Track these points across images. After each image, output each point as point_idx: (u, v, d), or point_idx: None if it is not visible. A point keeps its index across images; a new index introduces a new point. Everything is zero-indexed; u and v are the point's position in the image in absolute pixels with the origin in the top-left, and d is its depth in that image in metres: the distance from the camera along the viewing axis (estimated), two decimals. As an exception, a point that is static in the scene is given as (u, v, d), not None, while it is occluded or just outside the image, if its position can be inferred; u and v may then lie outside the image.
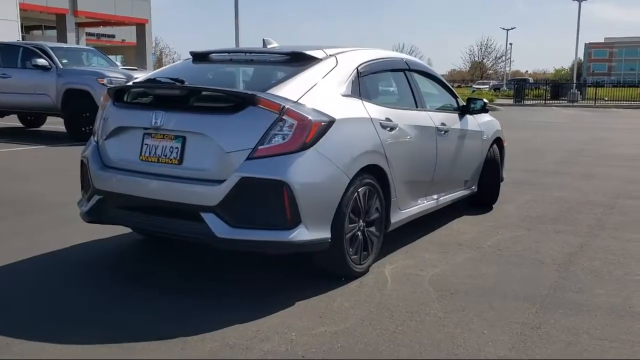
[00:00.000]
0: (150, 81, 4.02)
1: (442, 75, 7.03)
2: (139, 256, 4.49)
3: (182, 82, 3.83)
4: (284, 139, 3.44)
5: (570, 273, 4.18)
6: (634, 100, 36.62)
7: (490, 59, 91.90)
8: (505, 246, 4.84)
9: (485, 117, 6.03)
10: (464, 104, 5.64)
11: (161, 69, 4.54)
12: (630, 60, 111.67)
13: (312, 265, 3.91)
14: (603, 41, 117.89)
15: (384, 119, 4.15)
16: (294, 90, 3.67)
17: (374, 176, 3.97)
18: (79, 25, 34.48)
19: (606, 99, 38.20)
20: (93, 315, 3.33)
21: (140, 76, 12.28)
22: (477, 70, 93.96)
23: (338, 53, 4.20)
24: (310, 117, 3.51)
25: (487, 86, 61.34)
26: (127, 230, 4.71)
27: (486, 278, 4.03)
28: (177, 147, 3.64)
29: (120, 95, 4.01)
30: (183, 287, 3.77)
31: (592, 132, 17.00)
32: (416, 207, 4.71)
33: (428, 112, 4.94)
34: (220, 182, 3.45)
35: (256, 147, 3.44)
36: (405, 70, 4.90)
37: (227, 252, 4.17)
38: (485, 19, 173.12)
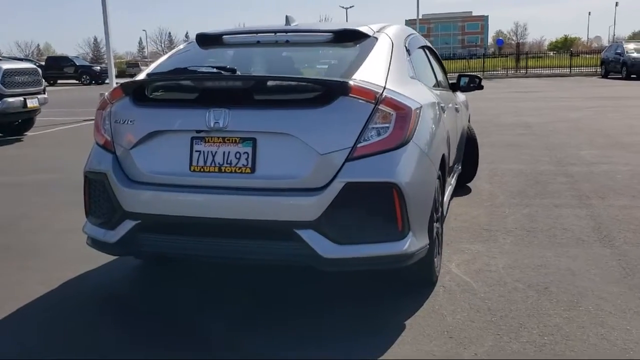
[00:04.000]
0: (185, 73, 3.15)
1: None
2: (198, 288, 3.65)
3: (234, 70, 3.08)
4: (383, 133, 2.88)
5: (622, 249, 4.10)
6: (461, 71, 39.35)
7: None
8: (531, 227, 4.68)
9: (462, 95, 5.83)
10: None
11: (160, 60, 3.61)
12: (445, 35, 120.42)
13: (348, 277, 3.49)
14: (421, 17, 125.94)
15: (439, 101, 3.73)
16: (374, 74, 3.10)
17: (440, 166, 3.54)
18: None
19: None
20: None
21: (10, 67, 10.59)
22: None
23: (383, 28, 3.67)
24: (409, 105, 2.98)
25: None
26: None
27: (556, 266, 3.81)
28: (246, 152, 2.91)
29: (142, 91, 3.14)
30: (263, 320, 3.09)
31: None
32: (447, 193, 4.35)
33: (444, 90, 4.60)
34: (317, 190, 2.82)
35: (355, 145, 2.84)
36: (424, 46, 4.50)
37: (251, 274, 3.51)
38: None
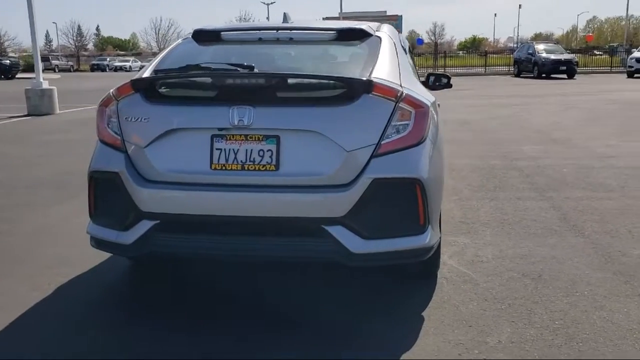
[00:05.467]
0: (201, 69, 3.07)
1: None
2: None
3: (252, 67, 3.05)
4: (403, 131, 2.95)
5: (593, 238, 4.39)
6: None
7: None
8: (503, 219, 4.91)
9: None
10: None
11: (160, 57, 3.48)
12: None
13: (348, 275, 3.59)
14: (337, 15, 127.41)
15: (436, 99, 3.85)
16: (389, 73, 3.16)
17: None
18: None
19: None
20: None
21: None
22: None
23: (379, 28, 3.73)
24: (427, 103, 3.08)
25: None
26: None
27: (540, 255, 4.03)
28: (270, 150, 2.90)
29: (155, 88, 3.05)
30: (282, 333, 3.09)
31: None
32: None
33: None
34: (344, 187, 2.85)
35: (379, 142, 2.90)
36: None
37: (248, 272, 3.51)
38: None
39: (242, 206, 2.89)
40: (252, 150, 2.90)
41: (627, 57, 32.43)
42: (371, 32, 3.55)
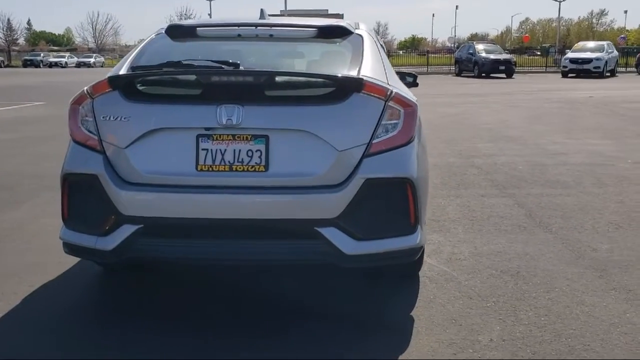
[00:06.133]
0: (182, 66, 2.93)
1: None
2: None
3: (237, 65, 2.95)
4: (393, 130, 2.92)
5: (561, 234, 4.50)
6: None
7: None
8: (472, 216, 4.98)
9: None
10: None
11: (134, 53, 3.31)
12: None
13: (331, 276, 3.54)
14: (279, 13, 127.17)
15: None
16: (375, 71, 3.13)
17: None
18: None
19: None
20: None
21: None
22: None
23: (357, 25, 3.69)
24: (415, 103, 3.05)
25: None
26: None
27: (514, 251, 4.10)
28: (259, 150, 2.81)
29: (134, 86, 2.90)
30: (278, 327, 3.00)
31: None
32: None
33: None
34: (336, 187, 2.80)
35: (370, 141, 2.86)
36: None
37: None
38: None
39: (230, 208, 2.80)
40: (240, 150, 2.80)
41: (561, 57, 33.75)
42: (352, 29, 3.50)
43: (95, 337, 2.90)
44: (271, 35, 3.51)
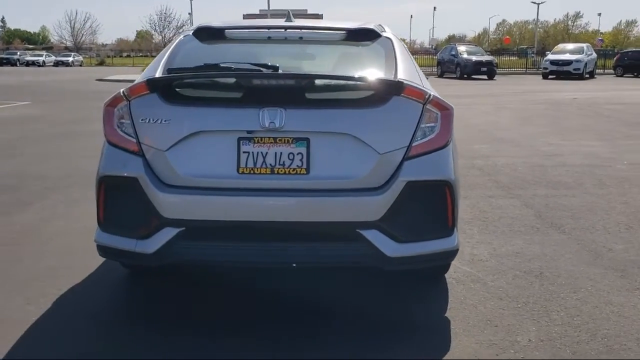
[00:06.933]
0: (221, 69, 2.92)
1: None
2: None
3: (277, 68, 2.95)
4: (430, 133, 2.94)
5: (574, 234, 4.57)
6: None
7: (171, 29, 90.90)
8: (484, 217, 5.02)
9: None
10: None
11: (166, 55, 3.26)
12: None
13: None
14: (258, 12, 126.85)
15: None
16: (411, 75, 3.15)
17: None
18: None
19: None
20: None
21: None
22: (144, 40, 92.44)
23: (383, 28, 3.71)
24: (452, 106, 3.08)
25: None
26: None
27: (532, 252, 4.15)
28: (300, 153, 2.80)
29: (173, 89, 2.88)
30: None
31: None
32: None
33: None
34: (378, 190, 2.81)
35: (410, 144, 2.87)
36: None
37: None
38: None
39: (272, 211, 2.79)
40: (281, 153, 2.80)
41: (541, 59, 34.20)
42: (380, 32, 3.52)
43: (129, 339, 2.87)
44: (301, 38, 3.51)
